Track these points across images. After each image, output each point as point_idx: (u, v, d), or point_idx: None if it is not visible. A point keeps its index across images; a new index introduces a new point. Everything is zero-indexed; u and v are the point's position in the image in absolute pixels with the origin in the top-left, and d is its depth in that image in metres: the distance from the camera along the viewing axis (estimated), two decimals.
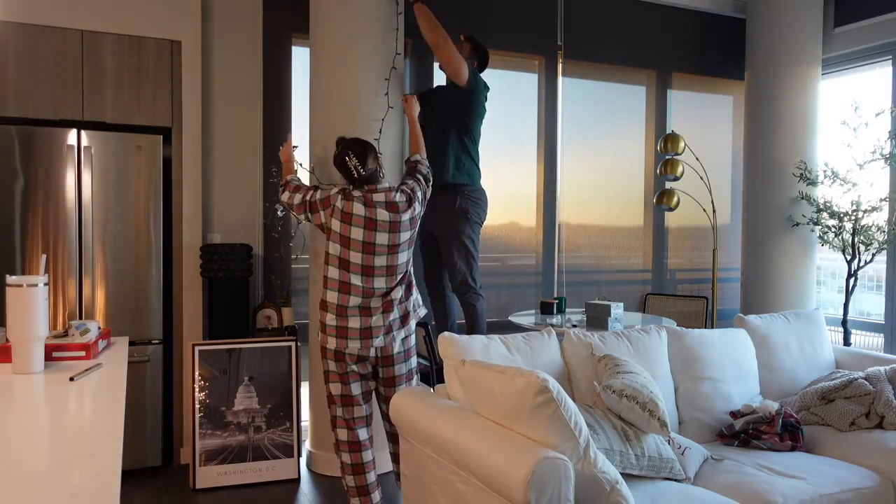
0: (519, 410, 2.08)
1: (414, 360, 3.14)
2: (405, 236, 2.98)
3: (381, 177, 3.07)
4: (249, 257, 3.89)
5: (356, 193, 2.96)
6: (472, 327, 3.90)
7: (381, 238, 2.93)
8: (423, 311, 3.14)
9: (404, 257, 3.01)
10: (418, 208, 3.04)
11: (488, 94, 3.90)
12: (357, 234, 2.91)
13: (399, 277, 3.01)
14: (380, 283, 2.96)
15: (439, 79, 4.21)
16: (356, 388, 3.04)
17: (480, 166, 3.92)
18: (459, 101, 3.79)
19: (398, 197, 2.98)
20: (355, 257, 2.92)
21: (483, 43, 4.03)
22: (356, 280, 2.93)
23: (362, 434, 3.06)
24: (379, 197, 2.95)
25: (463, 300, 3.91)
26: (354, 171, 2.96)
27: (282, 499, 3.45)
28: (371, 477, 3.09)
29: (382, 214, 2.92)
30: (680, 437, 2.67)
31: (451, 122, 3.81)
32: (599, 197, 5.14)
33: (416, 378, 3.17)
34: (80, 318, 3.61)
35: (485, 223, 4.03)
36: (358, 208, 2.92)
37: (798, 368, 3.33)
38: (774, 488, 2.40)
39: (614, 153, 5.18)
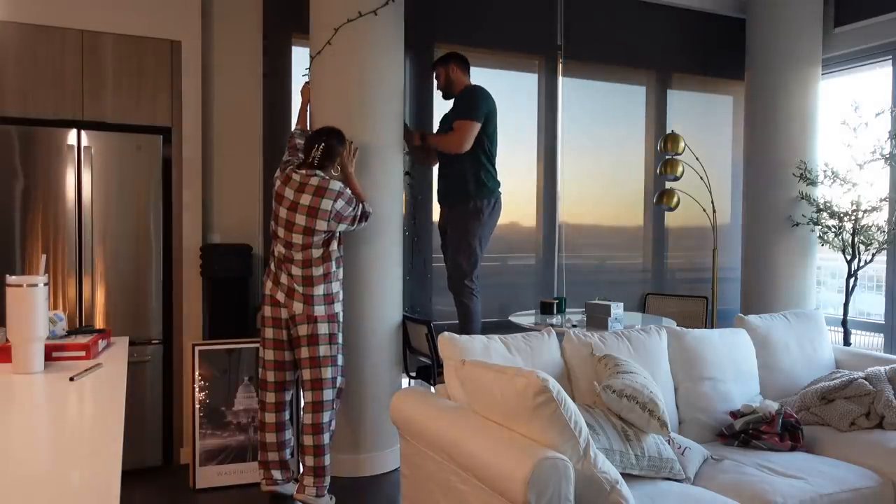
0: (519, 410, 2.08)
1: (323, 327, 3.23)
2: (301, 219, 3.17)
3: (324, 166, 3.29)
4: (249, 257, 3.89)
5: (294, 176, 3.24)
6: (464, 326, 3.92)
7: (282, 213, 3.23)
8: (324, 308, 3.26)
9: (298, 238, 3.19)
10: (327, 204, 3.17)
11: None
12: (275, 208, 3.29)
13: (297, 256, 3.20)
14: (287, 252, 3.24)
15: (441, 102, 4.24)
16: (269, 354, 3.32)
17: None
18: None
19: (313, 181, 3.19)
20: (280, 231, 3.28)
21: (460, 55, 4.09)
22: (279, 250, 3.29)
23: (269, 397, 3.34)
24: (296, 177, 3.22)
25: (457, 299, 3.95)
26: (310, 157, 3.28)
27: (282, 498, 3.44)
28: (269, 437, 3.34)
29: (288, 192, 3.22)
30: (680, 437, 2.67)
31: (478, 150, 3.93)
32: (599, 197, 5.14)
33: (330, 368, 3.26)
34: (81, 318, 3.61)
35: None
36: (279, 187, 3.27)
37: (798, 368, 3.33)
38: (774, 488, 2.40)
39: (614, 153, 5.18)
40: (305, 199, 3.17)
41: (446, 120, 4.07)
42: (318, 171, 3.22)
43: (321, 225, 3.17)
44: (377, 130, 3.72)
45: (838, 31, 5.08)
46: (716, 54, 5.41)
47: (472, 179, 3.91)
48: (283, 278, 3.25)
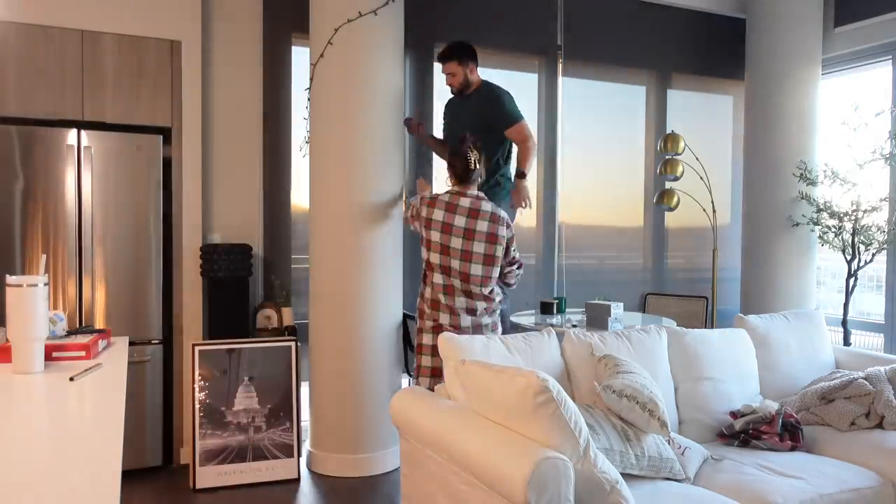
0: (519, 410, 2.08)
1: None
2: (479, 247, 3.08)
3: (477, 180, 3.23)
4: (249, 257, 3.89)
5: (444, 198, 3.14)
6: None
7: (455, 242, 3.13)
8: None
9: (478, 269, 3.09)
10: (504, 232, 3.13)
11: None
12: (435, 237, 3.16)
13: (475, 287, 3.11)
14: (457, 283, 3.13)
15: (445, 91, 4.17)
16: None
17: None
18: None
19: (484, 206, 3.11)
20: (434, 258, 3.17)
21: (474, 51, 3.80)
22: (438, 279, 3.17)
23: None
24: (465, 202, 3.11)
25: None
26: (472, 164, 3.15)
27: (282, 499, 3.45)
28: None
29: (459, 220, 3.11)
30: (680, 437, 2.67)
31: (498, 151, 3.82)
32: (599, 197, 5.14)
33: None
34: (81, 318, 3.61)
35: None
36: (437, 214, 3.15)
37: (798, 368, 3.32)
38: (774, 488, 2.40)
39: (614, 153, 5.17)
40: (482, 226, 3.09)
41: (455, 115, 3.93)
42: (485, 196, 3.17)
43: (499, 251, 3.11)
44: (377, 131, 3.72)
45: (838, 31, 5.08)
46: (716, 54, 5.40)
47: (491, 178, 3.81)
48: (464, 316, 3.16)
